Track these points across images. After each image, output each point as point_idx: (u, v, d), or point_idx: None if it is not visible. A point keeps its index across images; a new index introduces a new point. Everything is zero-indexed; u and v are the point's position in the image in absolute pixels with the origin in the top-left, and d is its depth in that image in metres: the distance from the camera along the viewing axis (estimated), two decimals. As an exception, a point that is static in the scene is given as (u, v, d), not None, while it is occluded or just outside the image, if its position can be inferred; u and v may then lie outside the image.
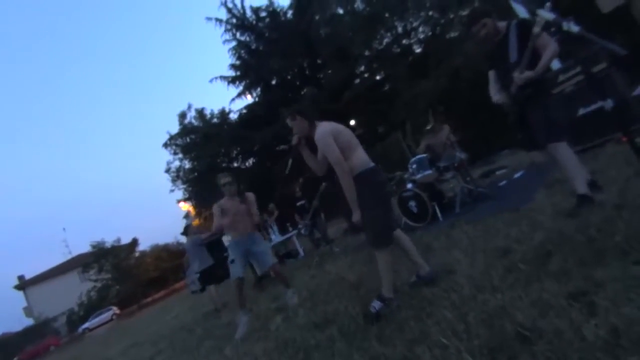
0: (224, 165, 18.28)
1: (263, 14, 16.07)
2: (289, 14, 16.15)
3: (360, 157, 2.20)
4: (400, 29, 13.44)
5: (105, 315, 24.69)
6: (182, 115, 18.85)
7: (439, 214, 4.16)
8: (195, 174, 18.34)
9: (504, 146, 8.90)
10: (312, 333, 2.29)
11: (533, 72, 2.24)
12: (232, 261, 3.35)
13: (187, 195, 19.53)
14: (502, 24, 2.46)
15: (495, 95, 2.56)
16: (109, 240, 27.88)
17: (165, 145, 18.92)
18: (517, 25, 2.35)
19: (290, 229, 7.28)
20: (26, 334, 25.72)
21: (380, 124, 15.13)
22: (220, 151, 17.64)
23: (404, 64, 13.07)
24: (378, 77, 15.46)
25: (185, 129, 18.62)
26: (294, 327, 2.60)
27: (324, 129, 2.21)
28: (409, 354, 1.50)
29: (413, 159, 4.54)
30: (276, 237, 7.05)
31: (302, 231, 6.73)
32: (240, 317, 3.30)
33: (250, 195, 3.59)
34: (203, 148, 17.24)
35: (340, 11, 14.05)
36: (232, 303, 5.26)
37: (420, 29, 13.25)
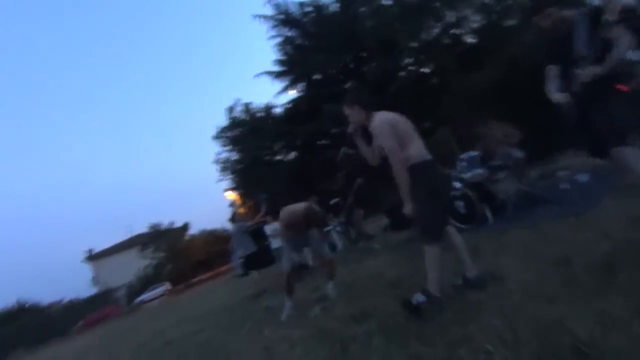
0: (267, 158, 18.90)
1: (308, 9, 16.18)
2: (334, 7, 16.06)
3: (417, 149, 2.18)
4: (451, 18, 12.72)
5: (158, 290, 27.09)
6: (231, 110, 19.72)
7: (489, 216, 3.93)
8: (242, 165, 19.16)
9: (567, 145, 8.09)
10: (350, 325, 2.33)
11: (600, 67, 1.96)
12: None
13: (233, 185, 20.49)
14: (568, 13, 2.21)
15: (555, 93, 2.26)
16: (165, 222, 30.51)
17: (215, 137, 19.98)
18: (587, 14, 2.08)
19: (331, 222, 7.36)
20: (91, 302, 29.05)
21: (427, 119, 14.58)
22: (264, 144, 18.25)
23: (454, 55, 12.38)
24: (425, 70, 14.84)
25: (234, 123, 19.48)
26: (332, 318, 2.66)
27: (382, 117, 2.22)
28: (451, 356, 1.47)
29: (463, 156, 4.33)
30: (315, 230, 7.17)
31: (337, 228, 6.77)
32: (285, 302, 3.41)
33: (320, 215, 3.49)
34: (249, 141, 17.95)
35: (387, 2, 13.66)
36: (272, 289, 5.48)
37: (473, 18, 12.42)
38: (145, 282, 29.44)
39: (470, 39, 13.03)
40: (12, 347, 21.71)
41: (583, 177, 4.39)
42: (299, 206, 3.32)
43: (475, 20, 12.41)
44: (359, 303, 2.72)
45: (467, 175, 4.16)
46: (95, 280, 34.21)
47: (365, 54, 15.78)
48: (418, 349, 1.63)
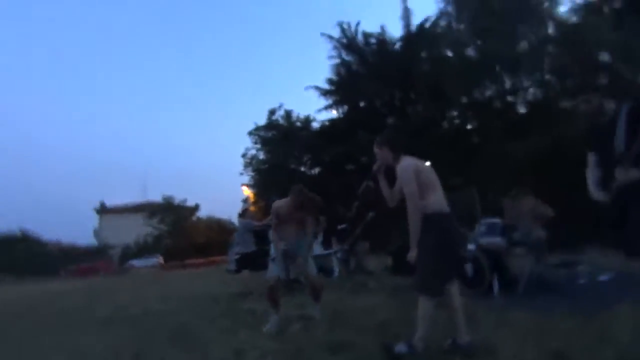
0: (292, 166, 19.21)
1: (372, 40, 16.78)
2: (397, 45, 16.55)
3: (437, 199, 2.19)
4: (508, 85, 12.73)
5: (151, 261, 27.44)
6: (272, 112, 20.39)
7: (496, 288, 3.78)
8: (266, 166, 19.58)
9: (597, 239, 7.68)
10: (325, 352, 2.28)
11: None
12: (273, 260, 3.39)
13: (252, 182, 20.88)
14: (609, 104, 2.15)
15: (595, 190, 2.21)
16: (177, 197, 31.19)
17: (250, 133, 20.61)
18: (628, 111, 2.01)
19: (334, 247, 7.30)
20: (87, 252, 29.88)
21: (458, 174, 14.40)
22: (293, 152, 18.62)
23: (501, 119, 12.31)
24: (469, 127, 14.82)
25: (271, 124, 20.09)
26: (310, 340, 2.61)
27: (408, 163, 2.26)
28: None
29: (483, 221, 4.24)
30: (317, 249, 7.11)
31: (338, 255, 6.67)
32: (271, 315, 3.24)
33: (314, 198, 3.36)
34: (280, 145, 18.39)
35: (449, 54, 13.91)
36: (257, 293, 5.44)
37: (531, 90, 12.36)
38: (142, 249, 29.97)
39: (522, 109, 12.95)
40: (1, 270, 22.49)
41: (604, 277, 4.14)
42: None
43: (532, 93, 12.36)
44: (341, 333, 2.67)
45: (483, 241, 4.05)
46: (96, 232, 35.22)
47: (413, 96, 16.01)
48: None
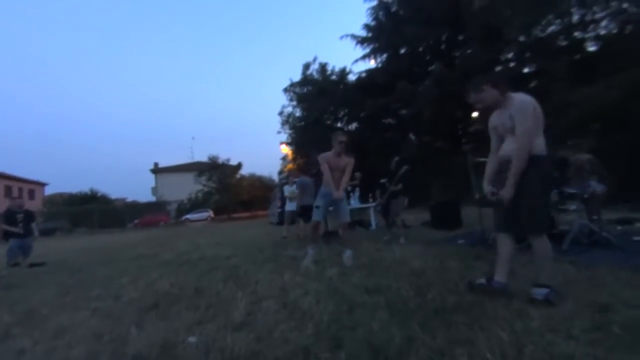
0: (328, 122, 18.93)
1: (415, -25, 14.96)
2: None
3: (541, 141, 2.11)
4: (576, 18, 10.92)
5: (203, 214, 30.16)
6: (306, 66, 19.75)
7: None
8: (303, 123, 19.51)
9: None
10: (361, 293, 2.46)
11: None
12: (317, 207, 3.85)
13: (289, 140, 21.13)
14: None
15: None
16: (222, 157, 32.90)
17: (285, 90, 20.38)
18: None
19: (371, 200, 7.39)
20: (148, 207, 33.52)
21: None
22: (329, 108, 18.22)
23: (566, 60, 10.78)
24: (526, 70, 13.22)
25: (306, 80, 19.59)
26: (347, 283, 2.81)
27: (527, 98, 2.12)
28: (446, 350, 1.51)
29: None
30: (355, 203, 7.27)
31: (378, 209, 6.78)
32: (308, 250, 3.86)
33: (351, 160, 3.88)
34: (315, 101, 18.04)
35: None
36: (299, 241, 5.82)
37: (604, 23, 10.51)
38: (194, 204, 32.82)
39: (592, 47, 11.18)
40: (77, 225, 26.58)
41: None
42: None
43: (605, 27, 10.53)
44: (376, 279, 2.83)
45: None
46: (154, 190, 38.96)
47: (462, 37, 14.43)
48: (417, 333, 1.70)
